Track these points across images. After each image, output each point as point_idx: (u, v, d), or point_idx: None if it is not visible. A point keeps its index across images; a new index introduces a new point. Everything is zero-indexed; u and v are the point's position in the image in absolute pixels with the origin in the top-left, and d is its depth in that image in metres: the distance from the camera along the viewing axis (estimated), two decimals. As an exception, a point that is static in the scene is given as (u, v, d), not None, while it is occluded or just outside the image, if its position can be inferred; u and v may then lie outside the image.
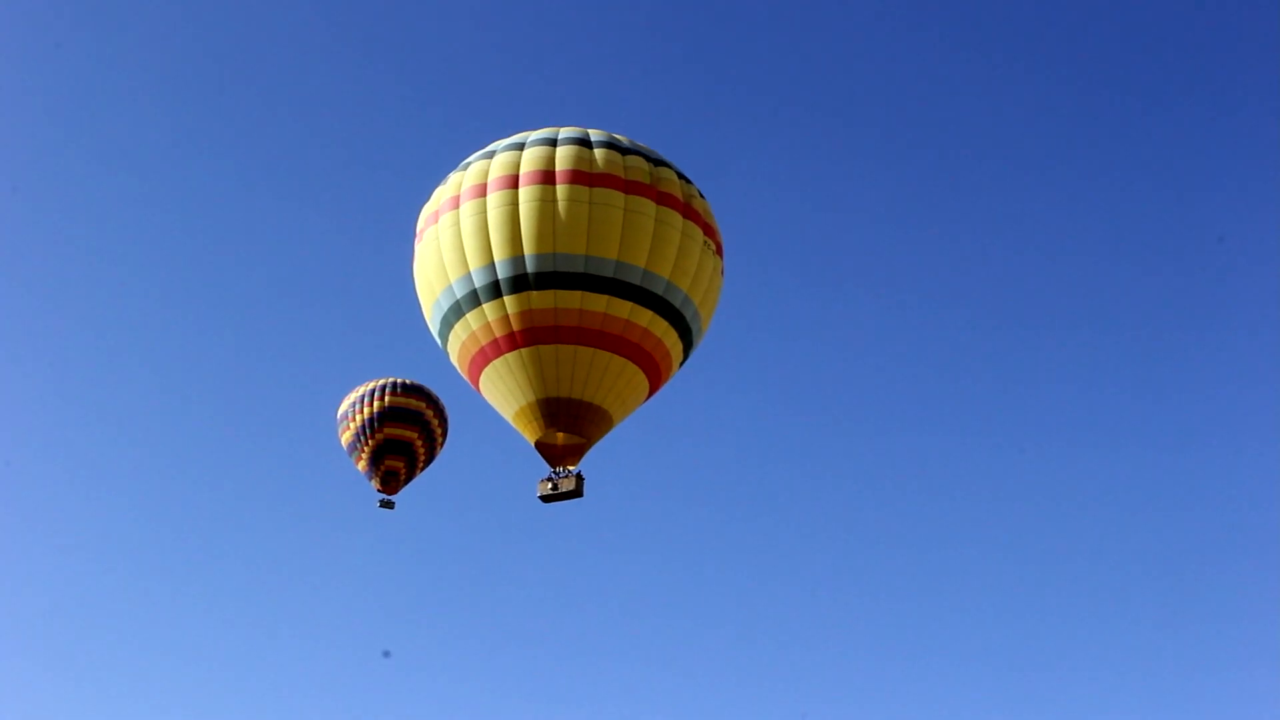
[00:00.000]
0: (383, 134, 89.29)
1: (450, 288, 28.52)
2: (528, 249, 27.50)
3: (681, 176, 29.17)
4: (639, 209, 27.83)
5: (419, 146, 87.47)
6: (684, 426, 73.76)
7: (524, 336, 28.17)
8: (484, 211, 27.88)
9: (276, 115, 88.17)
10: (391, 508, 49.12)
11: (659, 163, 28.91)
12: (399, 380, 48.83)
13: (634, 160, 28.45)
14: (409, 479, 49.00)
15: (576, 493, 29.31)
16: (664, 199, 28.26)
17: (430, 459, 49.34)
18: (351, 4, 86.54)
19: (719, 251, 29.51)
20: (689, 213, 28.66)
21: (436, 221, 28.87)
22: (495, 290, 27.92)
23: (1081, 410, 75.85)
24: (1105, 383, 76.82)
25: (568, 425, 28.90)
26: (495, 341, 28.43)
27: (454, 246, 28.29)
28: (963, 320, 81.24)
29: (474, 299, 28.22)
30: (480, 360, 28.95)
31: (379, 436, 47.75)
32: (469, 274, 28.08)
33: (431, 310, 29.43)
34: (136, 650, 67.06)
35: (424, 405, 48.59)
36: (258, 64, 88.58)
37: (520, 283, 27.77)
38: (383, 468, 48.16)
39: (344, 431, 48.58)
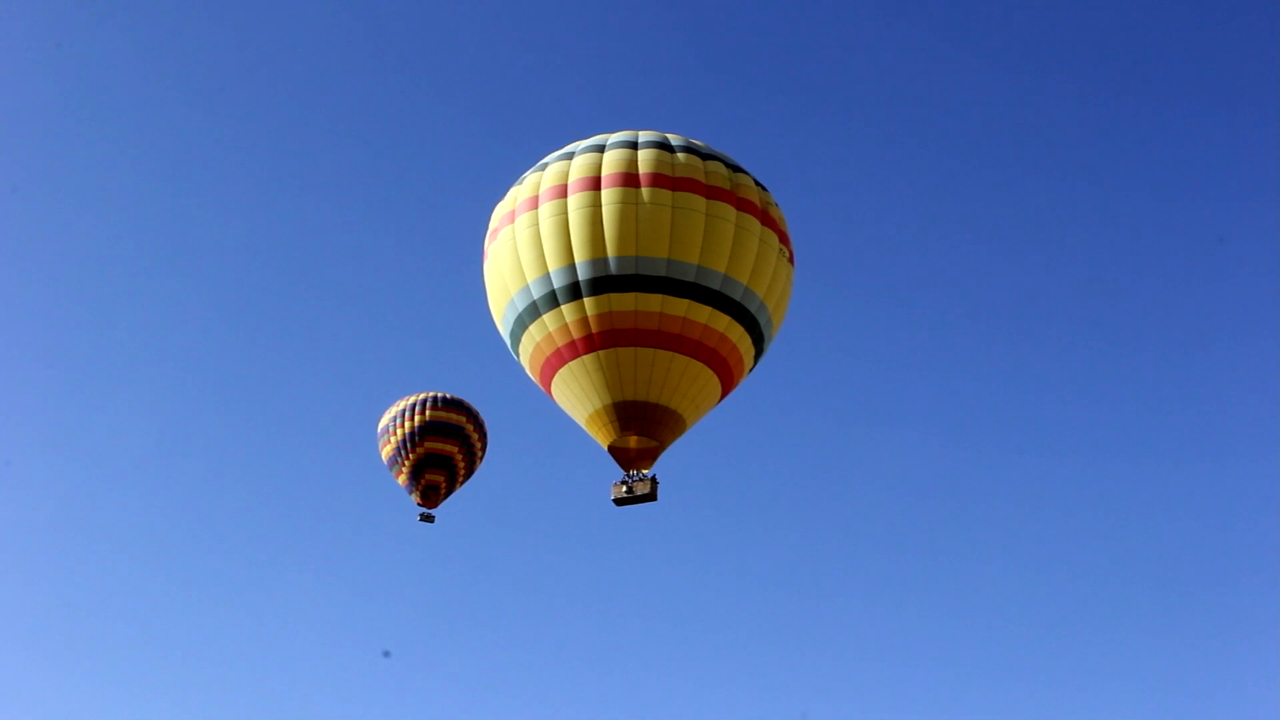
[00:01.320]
0: (415, 140, 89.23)
1: (527, 288, 28.22)
2: (610, 251, 27.29)
3: (758, 183, 29.08)
4: (720, 214, 27.70)
5: (461, 154, 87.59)
6: (751, 429, 73.19)
7: (601, 339, 27.89)
8: (564, 213, 27.65)
9: (310, 116, 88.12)
10: (431, 521, 48.99)
11: (736, 169, 28.75)
12: (439, 394, 48.72)
13: (714, 165, 28.30)
14: (449, 493, 48.86)
15: (650, 496, 29.00)
16: (743, 205, 28.13)
17: (470, 473, 49.15)
18: (407, 8, 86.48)
19: (791, 260, 29.51)
20: (766, 219, 28.56)
21: (513, 221, 28.55)
22: (573, 292, 27.65)
23: (1081, 410, 75.90)
24: (1105, 383, 76.87)
25: (642, 429, 28.73)
26: (571, 344, 28.12)
27: (532, 247, 27.99)
28: (962, 320, 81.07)
29: (551, 300, 27.92)
30: (554, 363, 28.71)
31: (420, 451, 47.60)
32: (547, 275, 27.80)
33: (505, 311, 29.09)
34: (177, 661, 66.67)
35: (464, 420, 48.48)
36: (297, 65, 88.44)
37: (600, 285, 27.51)
38: (423, 482, 47.99)
39: (384, 446, 48.38)
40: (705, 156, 28.48)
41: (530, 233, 28.15)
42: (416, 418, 47.84)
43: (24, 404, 78.47)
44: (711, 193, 27.87)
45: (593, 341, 28.04)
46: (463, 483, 49.09)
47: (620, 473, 29.38)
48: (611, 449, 29.16)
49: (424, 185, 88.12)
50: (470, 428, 48.62)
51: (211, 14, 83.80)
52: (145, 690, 64.54)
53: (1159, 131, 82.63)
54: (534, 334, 28.71)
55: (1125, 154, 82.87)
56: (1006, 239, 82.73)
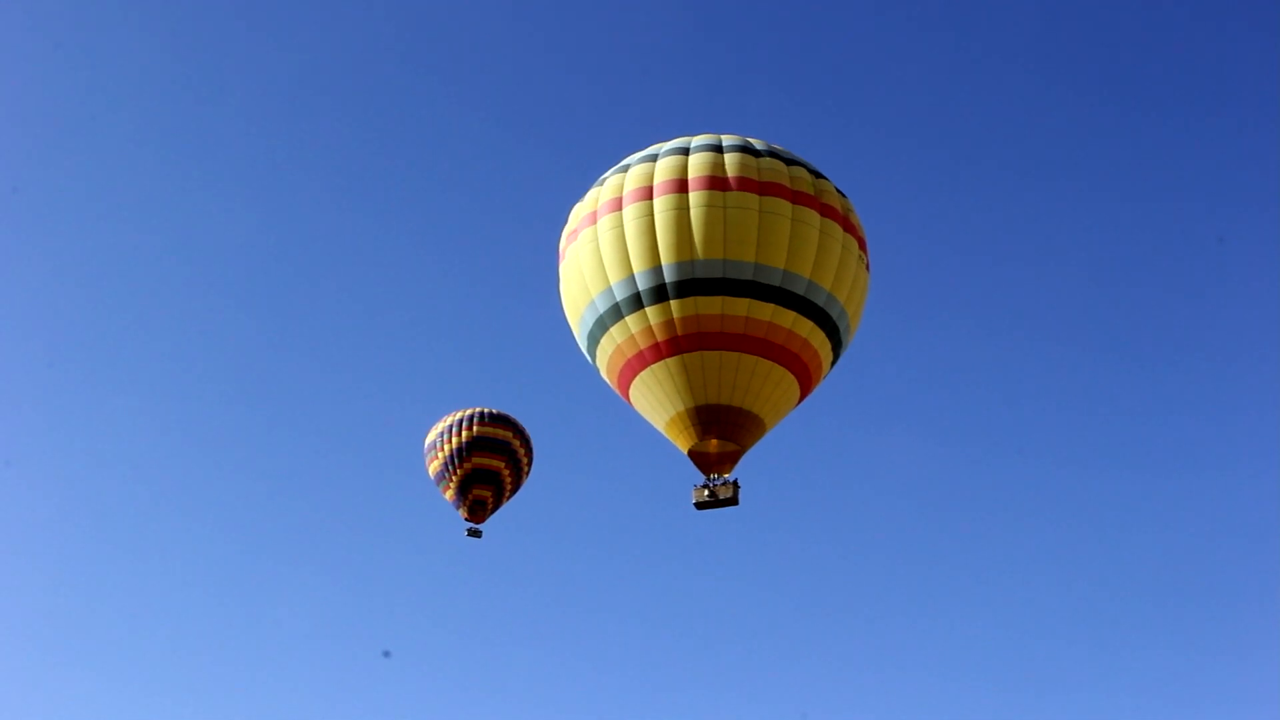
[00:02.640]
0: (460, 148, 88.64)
1: (609, 290, 27.81)
2: (698, 254, 26.97)
3: (838, 190, 28.83)
4: (805, 219, 27.36)
5: (488, 160, 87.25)
6: (828, 432, 72.67)
7: (685, 343, 27.48)
8: (650, 214, 27.30)
9: (345, 115, 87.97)
10: (479, 536, 48.73)
11: (818, 174, 28.50)
12: (485, 410, 48.52)
13: (797, 171, 28.01)
14: (496, 508, 48.61)
15: (732, 500, 28.67)
16: (827, 211, 27.85)
17: (516, 488, 48.88)
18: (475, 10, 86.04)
19: (868, 266, 29.37)
20: (848, 226, 28.28)
21: (595, 223, 28.16)
22: (659, 295, 27.24)
23: (1079, 412, 75.37)
24: (1104, 383, 76.43)
25: (723, 432, 28.44)
26: (655, 346, 27.67)
27: (616, 249, 27.62)
28: (959, 321, 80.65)
29: (635, 302, 27.51)
30: (635, 366, 28.30)
31: (467, 466, 47.40)
32: (632, 277, 27.43)
33: (584, 312, 28.63)
34: (178, 663, 66.42)
35: (511, 435, 48.28)
36: (338, 66, 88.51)
37: (686, 288, 27.12)
38: (470, 497, 47.77)
39: (431, 461, 48.14)
40: (789, 162, 28.23)
41: (614, 234, 27.75)
42: (463, 433, 47.64)
43: (24, 404, 78.21)
44: (797, 198, 27.59)
45: (676, 345, 27.65)
46: (509, 497, 48.84)
47: (700, 477, 29.07)
48: (692, 453, 28.77)
49: (461, 193, 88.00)
50: (516, 443, 48.41)
51: (220, 14, 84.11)
52: (144, 691, 64.40)
53: (1159, 131, 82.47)
54: (615, 336, 28.32)
55: (1125, 154, 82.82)
56: (1004, 239, 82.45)
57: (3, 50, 78.37)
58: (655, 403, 28.62)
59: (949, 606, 67.18)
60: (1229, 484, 71.44)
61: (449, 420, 48.17)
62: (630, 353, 28.26)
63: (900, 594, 68.70)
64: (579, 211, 29.14)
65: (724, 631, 67.24)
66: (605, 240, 27.95)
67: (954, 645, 64.86)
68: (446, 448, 47.70)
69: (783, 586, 69.54)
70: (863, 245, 28.90)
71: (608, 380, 29.55)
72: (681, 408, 28.30)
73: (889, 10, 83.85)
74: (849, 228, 28.37)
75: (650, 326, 27.68)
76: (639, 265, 27.51)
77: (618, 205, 28.00)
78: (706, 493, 28.71)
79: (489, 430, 47.72)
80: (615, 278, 27.85)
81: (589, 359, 29.69)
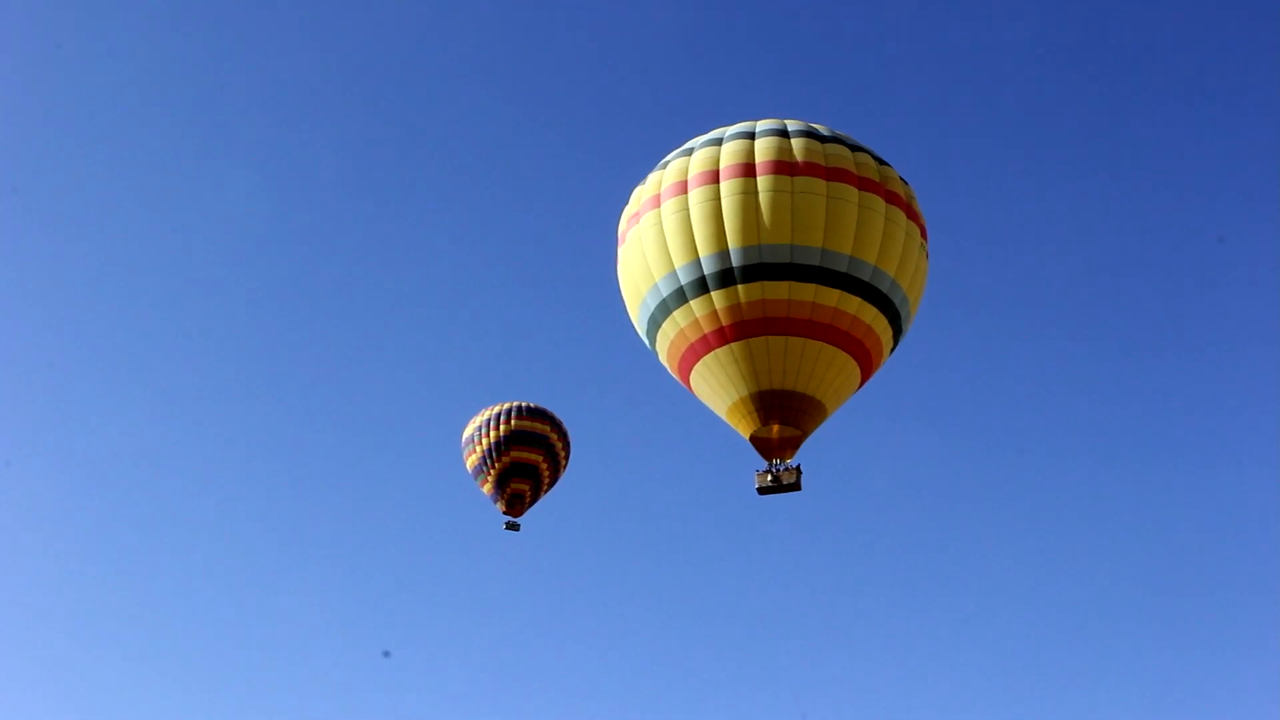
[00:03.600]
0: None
1: (673, 274, 27.51)
2: (763, 239, 26.69)
3: (901, 178, 28.56)
4: (871, 205, 27.11)
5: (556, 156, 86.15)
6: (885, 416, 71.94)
7: (750, 327, 27.18)
8: (716, 198, 26.99)
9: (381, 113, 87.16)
10: (517, 529, 48.44)
11: (882, 162, 28.22)
12: (523, 404, 48.23)
13: (862, 157, 27.74)
14: (534, 501, 48.41)
15: (795, 486, 28.44)
16: (891, 198, 27.61)
17: (554, 481, 48.69)
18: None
19: (928, 255, 29.19)
20: (911, 214, 28.04)
21: (658, 206, 27.84)
22: (725, 279, 26.95)
23: (1080, 410, 74.53)
24: (1103, 383, 75.58)
25: (784, 417, 28.23)
26: (719, 331, 27.35)
27: (681, 233, 27.30)
28: (959, 320, 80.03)
29: (700, 287, 27.20)
30: (698, 350, 27.92)
31: (505, 460, 47.14)
32: (697, 261, 27.14)
33: (645, 296, 28.28)
34: (262, 670, 66.07)
35: (548, 429, 48.01)
36: (392, 66, 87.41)
37: (753, 272, 26.82)
38: (509, 490, 47.54)
39: (469, 455, 47.90)
40: (853, 148, 27.93)
41: (679, 217, 27.37)
42: (501, 427, 47.38)
43: (24, 404, 77.70)
44: (863, 184, 27.31)
45: (741, 329, 27.28)
46: (547, 490, 48.62)
47: (763, 462, 28.83)
48: (753, 439, 28.48)
49: (499, 185, 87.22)
50: (554, 436, 48.14)
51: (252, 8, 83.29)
52: (144, 691, 63.96)
53: (1159, 131, 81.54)
54: (678, 320, 27.92)
55: (1124, 153, 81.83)
56: (1004, 238, 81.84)
57: (3, 50, 77.84)
58: (717, 388, 28.36)
59: (968, 598, 66.88)
60: (1229, 482, 70.63)
61: (486, 414, 47.87)
62: (693, 337, 27.96)
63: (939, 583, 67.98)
64: (640, 195, 28.73)
65: (780, 620, 66.56)
66: (670, 224, 27.59)
67: (986, 637, 64.47)
68: (484, 441, 47.44)
69: (843, 573, 68.56)
70: (924, 232, 28.68)
71: (666, 365, 29.24)
72: (744, 393, 28.04)
73: (889, 9, 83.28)
74: (912, 215, 28.15)
75: (715, 311, 27.36)
76: (705, 249, 27.19)
77: (683, 189, 27.64)
78: (770, 478, 28.46)
79: (527, 424, 47.46)
80: (680, 261, 27.50)
81: (647, 343, 29.33)
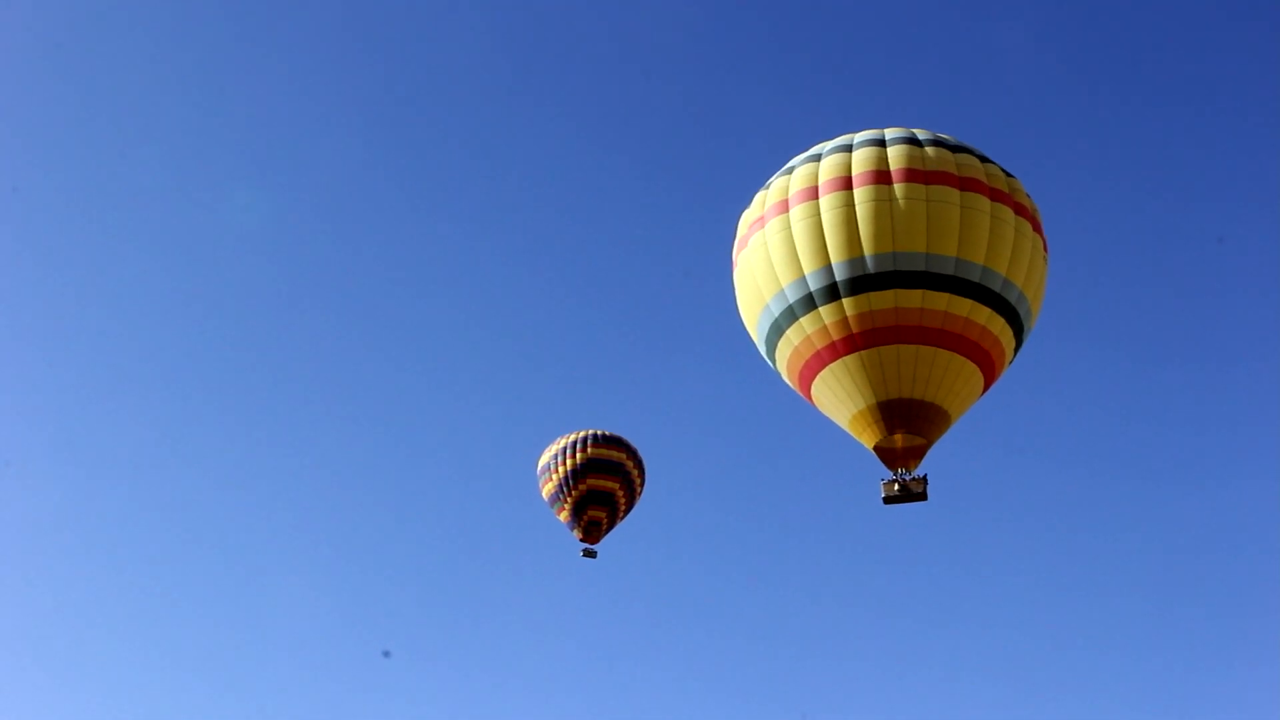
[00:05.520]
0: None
1: (782, 293, 27.08)
2: (866, 250, 26.20)
3: (1007, 173, 27.95)
4: (974, 205, 26.53)
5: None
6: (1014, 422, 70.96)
7: (862, 339, 26.68)
8: (817, 214, 26.60)
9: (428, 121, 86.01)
10: (594, 556, 48.14)
11: (986, 160, 27.67)
12: (598, 432, 48.03)
13: (965, 158, 27.22)
14: (610, 528, 48.08)
15: (922, 496, 27.92)
16: (996, 195, 26.95)
17: (630, 508, 48.39)
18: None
19: (1045, 248, 28.62)
20: (1020, 209, 27.38)
21: (764, 227, 27.49)
22: (831, 294, 26.47)
23: (1078, 412, 73.62)
24: (1103, 383, 74.59)
25: (908, 426, 27.65)
26: (832, 345, 26.88)
27: (785, 252, 26.91)
28: None
29: (809, 303, 26.75)
30: (814, 366, 27.47)
31: (581, 488, 46.90)
32: (803, 278, 26.67)
33: (759, 317, 27.92)
34: (179, 665, 65.32)
35: (624, 456, 47.79)
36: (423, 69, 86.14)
37: (858, 285, 26.33)
38: (585, 518, 47.23)
39: (545, 484, 47.64)
40: (955, 149, 27.41)
41: (782, 236, 27.10)
42: (577, 455, 47.17)
43: (24, 404, 76.75)
44: (965, 184, 26.77)
45: (854, 342, 26.90)
46: (623, 517, 48.29)
47: (887, 472, 28.23)
48: (877, 449, 27.94)
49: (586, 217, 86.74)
50: (630, 464, 47.93)
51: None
52: (143, 692, 63.31)
53: (1159, 131, 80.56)
54: (791, 338, 27.58)
55: (1124, 153, 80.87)
56: None
57: (3, 50, 76.64)
58: (838, 400, 27.88)
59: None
60: (1228, 486, 69.58)
61: (562, 443, 47.75)
62: (808, 353, 27.57)
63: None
64: (747, 218, 28.56)
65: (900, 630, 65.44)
66: (774, 243, 27.30)
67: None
68: (561, 470, 47.29)
69: (973, 581, 67.16)
70: (1038, 228, 28.16)
71: (788, 381, 28.84)
72: (864, 404, 27.53)
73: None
74: (1021, 211, 27.56)
75: (825, 326, 26.95)
76: (809, 265, 26.82)
77: (784, 208, 27.35)
78: (896, 487, 27.90)
79: (602, 452, 47.30)
80: (787, 279, 27.18)
81: (769, 363, 29.05)
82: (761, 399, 76.07)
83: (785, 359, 28.14)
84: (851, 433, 28.24)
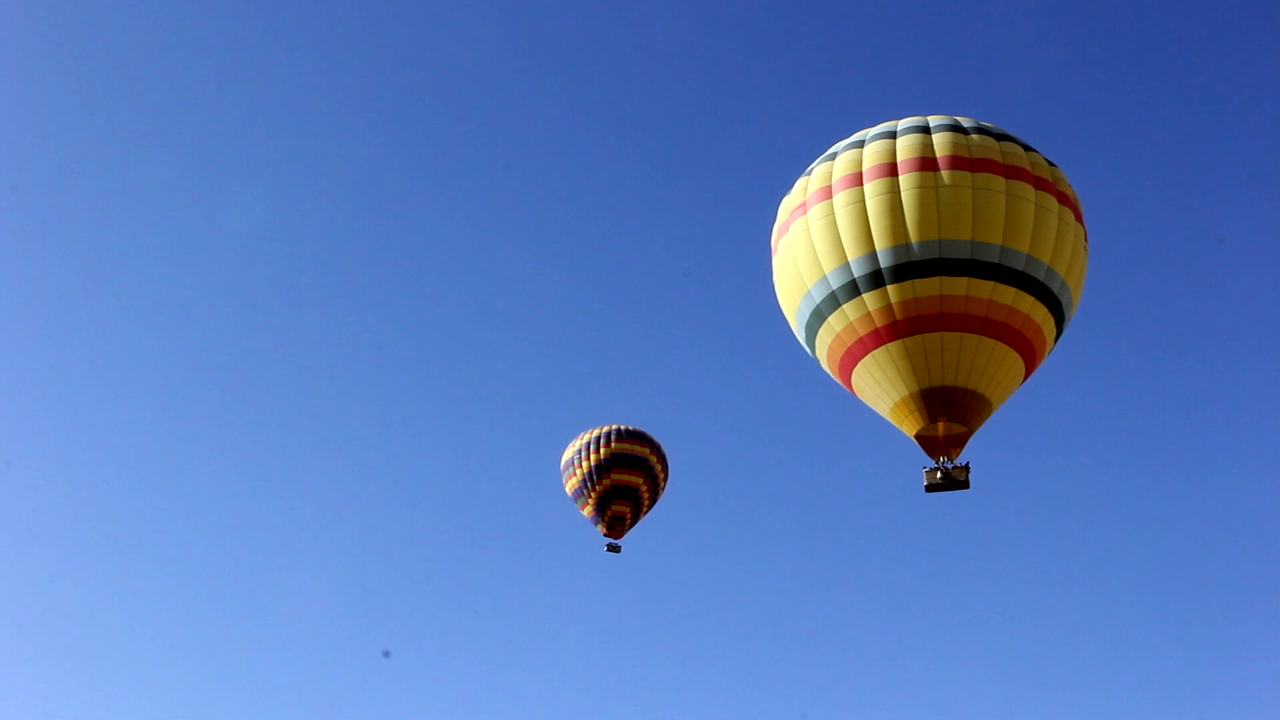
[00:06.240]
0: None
1: (825, 279, 26.80)
2: (912, 236, 25.97)
3: (1049, 162, 27.72)
4: (1020, 193, 26.31)
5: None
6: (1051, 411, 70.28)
7: (906, 326, 26.41)
8: (861, 200, 26.33)
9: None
10: (618, 551, 47.96)
11: (1029, 149, 27.41)
12: (621, 427, 47.88)
13: (1009, 146, 26.99)
14: (634, 522, 47.87)
15: (965, 484, 27.69)
16: (1041, 184, 26.74)
17: (653, 502, 48.21)
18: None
19: (1086, 237, 28.40)
20: (1063, 198, 27.12)
21: (805, 213, 27.19)
22: (875, 280, 26.19)
23: (1078, 411, 73.32)
24: (1102, 383, 74.37)
25: (950, 414, 27.38)
26: (875, 332, 26.60)
27: (828, 237, 26.61)
28: None
29: (852, 290, 26.48)
30: (856, 353, 27.20)
31: (605, 483, 46.73)
32: (846, 264, 26.41)
33: (800, 303, 27.60)
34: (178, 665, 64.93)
35: (647, 451, 47.64)
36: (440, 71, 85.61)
37: (903, 271, 26.04)
38: (609, 513, 47.05)
39: (569, 479, 47.48)
40: (999, 137, 27.14)
41: (825, 222, 26.78)
42: (601, 450, 47.03)
43: (24, 404, 76.90)
44: (1010, 172, 26.48)
45: (897, 329, 26.60)
46: (647, 512, 48.10)
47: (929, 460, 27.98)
48: (919, 437, 27.68)
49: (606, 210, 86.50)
50: (654, 459, 47.76)
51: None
52: (148, 692, 63.11)
53: (1159, 130, 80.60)
54: (833, 325, 27.30)
55: (1124, 152, 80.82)
56: None
57: (3, 50, 77.09)
58: (879, 388, 27.65)
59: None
60: (1229, 483, 69.56)
61: (585, 438, 47.61)
62: (850, 340, 27.34)
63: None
64: (788, 204, 28.23)
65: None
66: (817, 229, 27.01)
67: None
68: (584, 465, 47.12)
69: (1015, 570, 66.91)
70: (1079, 217, 27.97)
71: (828, 370, 28.60)
72: (906, 392, 27.29)
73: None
74: (1064, 199, 27.34)
75: (869, 313, 26.71)
76: (853, 252, 26.57)
77: (828, 194, 27.05)
78: (939, 475, 27.68)
79: (626, 447, 47.18)
80: (830, 266, 26.89)
81: (808, 350, 28.78)
82: (784, 390, 76.07)
83: (825, 346, 27.89)
84: (892, 421, 28.01)
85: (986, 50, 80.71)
